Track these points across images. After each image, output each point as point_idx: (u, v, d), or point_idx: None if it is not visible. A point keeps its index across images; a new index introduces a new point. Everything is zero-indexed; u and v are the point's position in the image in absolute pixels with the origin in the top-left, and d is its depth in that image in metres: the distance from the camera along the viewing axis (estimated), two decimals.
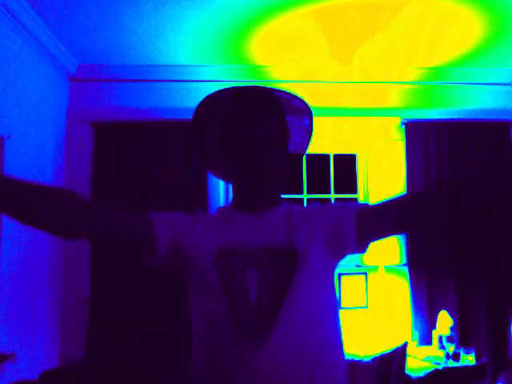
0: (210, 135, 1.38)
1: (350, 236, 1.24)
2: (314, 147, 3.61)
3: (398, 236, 3.29)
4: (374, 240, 1.28)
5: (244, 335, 1.17)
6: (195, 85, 3.50)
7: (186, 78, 3.49)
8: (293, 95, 1.35)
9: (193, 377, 1.26)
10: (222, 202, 3.51)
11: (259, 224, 1.29)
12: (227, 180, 1.43)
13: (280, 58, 3.42)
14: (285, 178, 1.37)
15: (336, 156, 3.78)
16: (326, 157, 3.78)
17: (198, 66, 3.50)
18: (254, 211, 1.31)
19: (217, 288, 1.21)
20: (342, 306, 3.50)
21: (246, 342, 1.17)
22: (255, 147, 1.25)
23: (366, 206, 1.32)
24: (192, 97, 3.49)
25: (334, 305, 1.29)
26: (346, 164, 3.80)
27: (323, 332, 1.23)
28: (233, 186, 1.37)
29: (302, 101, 1.36)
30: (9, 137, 2.56)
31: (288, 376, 1.15)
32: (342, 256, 1.30)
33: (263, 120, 1.28)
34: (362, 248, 1.27)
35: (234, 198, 1.37)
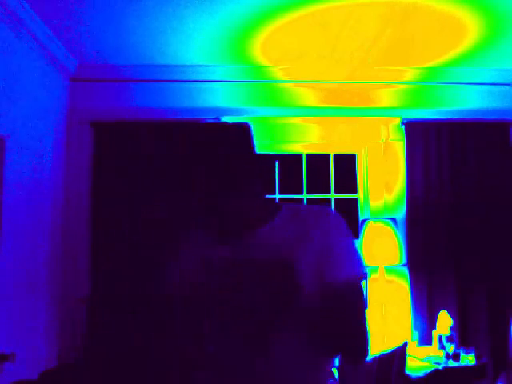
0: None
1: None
2: (315, 147, 3.57)
3: (398, 236, 3.29)
4: None
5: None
6: (196, 85, 3.50)
7: (186, 78, 3.48)
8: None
9: None
10: None
11: (237, 252, 1.20)
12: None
13: (283, 58, 3.41)
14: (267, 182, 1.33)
15: (336, 156, 3.78)
16: (326, 157, 3.77)
17: (199, 65, 3.49)
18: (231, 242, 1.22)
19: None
20: None
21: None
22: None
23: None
24: (192, 97, 3.50)
25: None
26: (346, 164, 3.79)
27: None
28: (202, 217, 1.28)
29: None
30: (9, 137, 2.56)
31: None
32: None
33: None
34: None
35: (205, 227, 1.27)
